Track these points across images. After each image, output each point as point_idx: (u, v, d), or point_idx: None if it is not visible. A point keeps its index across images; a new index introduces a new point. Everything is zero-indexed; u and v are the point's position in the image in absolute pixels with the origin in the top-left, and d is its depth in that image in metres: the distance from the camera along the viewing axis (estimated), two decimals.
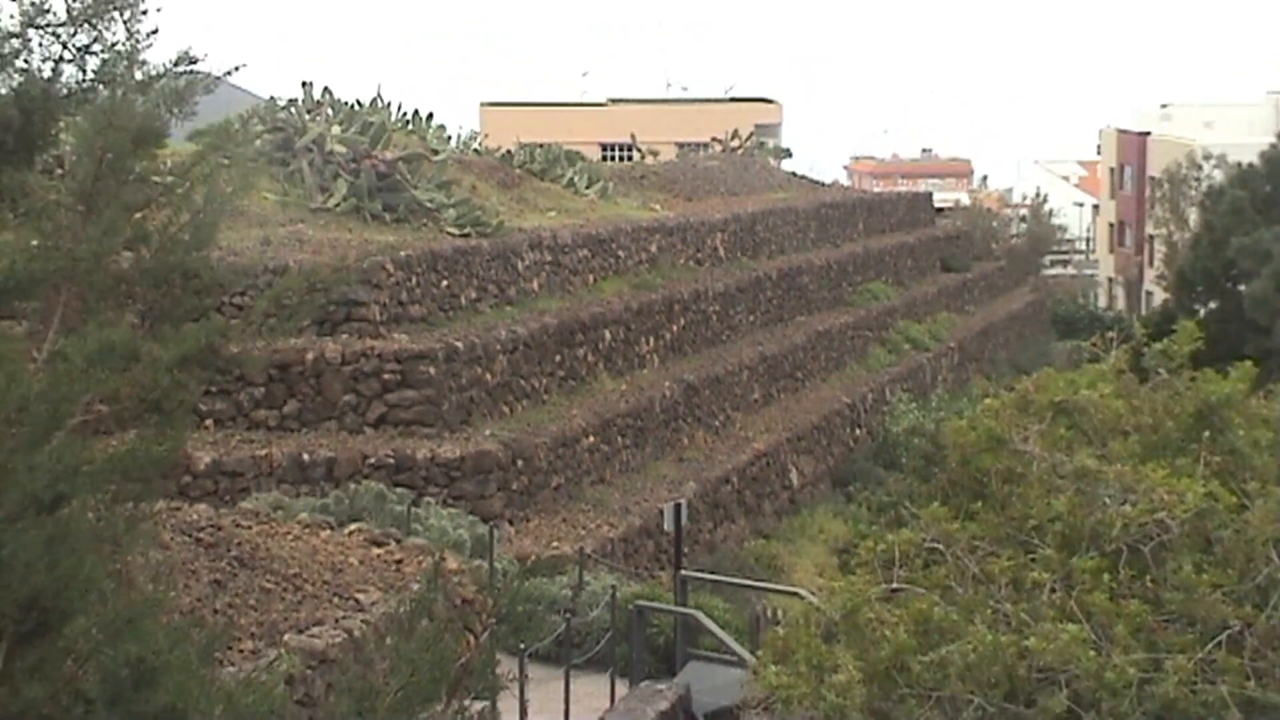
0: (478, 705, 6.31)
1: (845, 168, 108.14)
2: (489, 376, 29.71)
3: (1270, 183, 48.96)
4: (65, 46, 6.34)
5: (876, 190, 78.90)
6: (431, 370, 28.00)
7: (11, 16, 6.21)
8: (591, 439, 31.27)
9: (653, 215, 42.84)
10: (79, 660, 6.15)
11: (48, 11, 6.28)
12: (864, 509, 35.79)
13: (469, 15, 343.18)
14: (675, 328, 38.23)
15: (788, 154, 66.22)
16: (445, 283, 30.82)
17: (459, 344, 28.91)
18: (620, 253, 38.42)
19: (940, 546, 12.96)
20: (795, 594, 22.67)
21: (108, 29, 6.41)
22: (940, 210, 73.51)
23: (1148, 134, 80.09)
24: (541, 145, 45.98)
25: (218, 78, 7.57)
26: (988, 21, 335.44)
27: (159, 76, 7.04)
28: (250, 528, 19.11)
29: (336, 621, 16.49)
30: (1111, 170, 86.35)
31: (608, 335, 34.77)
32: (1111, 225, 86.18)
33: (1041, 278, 77.92)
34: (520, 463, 28.23)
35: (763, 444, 37.32)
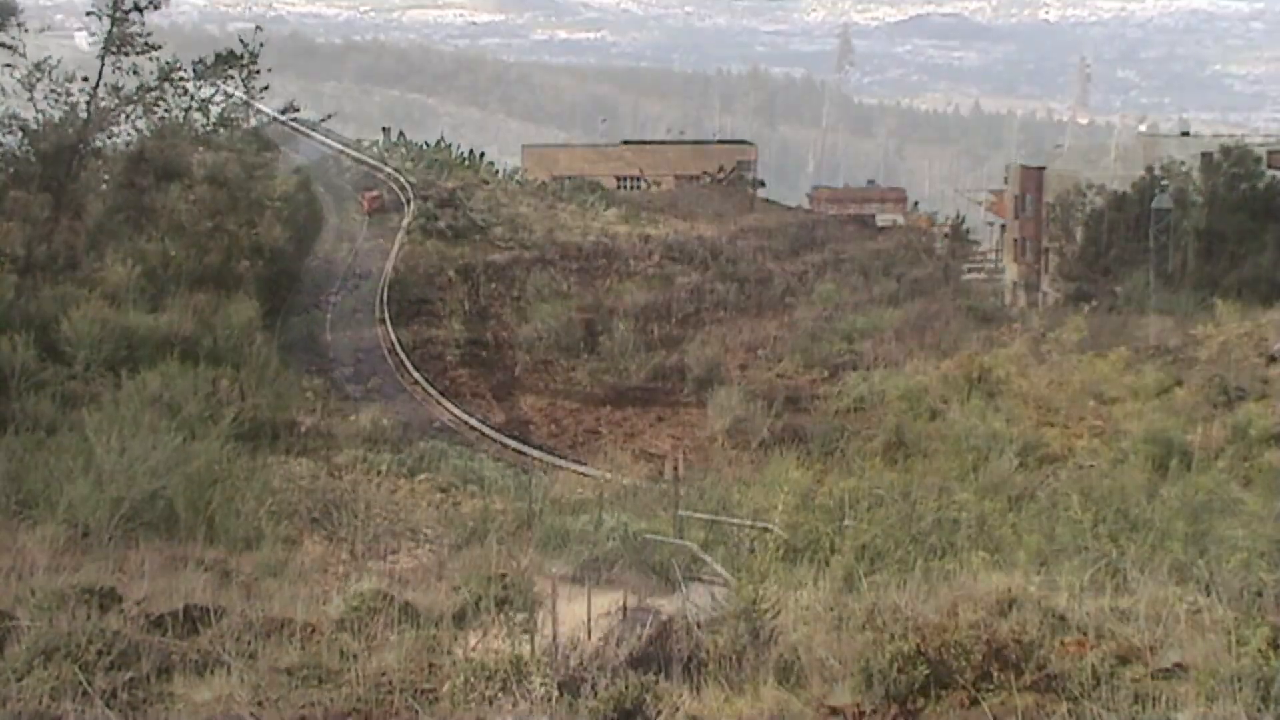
0: (520, 615, 6.31)
1: (807, 195, 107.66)
2: (529, 357, 29.67)
3: (1139, 207, 48.90)
4: (192, 98, 6.37)
5: (831, 213, 78.62)
6: (484, 353, 27.98)
7: (150, 73, 6.25)
8: (609, 408, 31.22)
9: (657, 232, 42.72)
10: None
11: (178, 69, 6.31)
12: (822, 461, 35.59)
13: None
14: (675, 319, 38.11)
15: (762, 184, 66.05)
16: (494, 284, 30.77)
17: (506, 332, 28.88)
18: (631, 260, 38.33)
19: (880, 491, 12.95)
20: (767, 528, 22.62)
21: (227, 84, 6.44)
22: (882, 229, 73.34)
23: (1044, 169, 79.81)
24: (570, 177, 45.91)
25: (315, 123, 7.58)
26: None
27: (270, 122, 7.06)
28: (342, 476, 19.12)
29: (410, 550, 16.50)
30: (1016, 197, 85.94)
31: (622, 325, 34.68)
32: (1016, 240, 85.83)
33: (961, 281, 77.65)
34: (553, 426, 28.21)
35: (742, 410, 37.16)
